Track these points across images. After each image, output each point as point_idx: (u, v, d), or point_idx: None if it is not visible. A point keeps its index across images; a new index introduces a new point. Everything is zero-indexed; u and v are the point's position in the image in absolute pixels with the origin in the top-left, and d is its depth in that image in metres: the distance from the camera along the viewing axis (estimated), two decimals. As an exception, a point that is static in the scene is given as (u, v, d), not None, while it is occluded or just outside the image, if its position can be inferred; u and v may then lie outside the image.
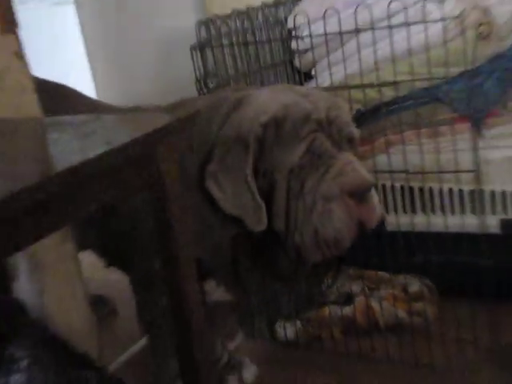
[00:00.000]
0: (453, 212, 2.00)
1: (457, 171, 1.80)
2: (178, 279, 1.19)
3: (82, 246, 1.75)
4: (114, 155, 0.99)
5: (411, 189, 2.02)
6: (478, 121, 1.87)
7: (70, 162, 0.93)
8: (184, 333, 1.24)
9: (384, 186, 2.07)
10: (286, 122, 1.40)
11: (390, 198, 2.11)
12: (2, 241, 0.87)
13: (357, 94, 1.92)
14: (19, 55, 1.49)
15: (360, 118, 1.96)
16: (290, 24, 2.08)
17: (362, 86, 1.87)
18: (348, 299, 2.05)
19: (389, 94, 1.93)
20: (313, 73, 2.10)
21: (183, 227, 1.19)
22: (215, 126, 1.47)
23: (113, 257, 1.84)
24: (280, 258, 1.48)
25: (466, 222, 1.90)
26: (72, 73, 2.88)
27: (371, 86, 1.88)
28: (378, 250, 1.85)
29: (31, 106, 1.54)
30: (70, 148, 1.08)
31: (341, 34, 1.81)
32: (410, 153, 1.85)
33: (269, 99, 1.45)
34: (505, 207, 1.95)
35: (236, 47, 1.94)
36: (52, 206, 0.92)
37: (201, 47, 1.82)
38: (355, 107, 1.96)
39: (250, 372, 1.92)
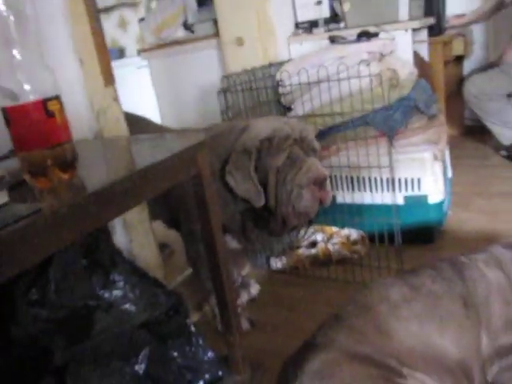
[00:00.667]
0: (377, 190, 2.27)
1: (379, 166, 2.04)
2: (211, 233, 1.29)
3: (153, 216, 1.93)
4: (172, 159, 1.08)
5: (352, 177, 2.31)
6: (390, 136, 2.12)
7: (145, 163, 1.02)
8: (215, 266, 1.35)
9: (335, 176, 2.35)
10: (274, 139, 1.59)
11: (339, 182, 2.37)
12: (112, 209, 0.95)
13: (319, 120, 2.24)
14: (116, 99, 1.69)
15: (321, 135, 2.26)
16: (278, 77, 2.34)
17: (322, 115, 2.20)
18: (314, 244, 2.30)
19: (338, 119, 2.21)
20: (292, 107, 2.33)
21: (214, 203, 1.27)
22: (230, 142, 1.63)
23: (171, 222, 1.99)
24: (272, 222, 1.65)
25: (385, 197, 2.22)
26: (146, 109, 3.13)
27: (328, 114, 2.20)
28: (332, 214, 2.17)
29: (122, 129, 1.71)
30: (145, 154, 1.17)
31: (309, 83, 2.16)
32: (351, 156, 2.17)
33: (263, 125, 1.63)
34: (406, 188, 2.24)
35: (245, 92, 2.17)
36: (135, 190, 0.97)
37: (224, 91, 2.13)
38: (318, 128, 2.23)
39: (254, 288, 2.17)
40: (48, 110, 0.88)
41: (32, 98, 0.87)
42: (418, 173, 2.23)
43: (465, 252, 1.58)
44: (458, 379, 1.30)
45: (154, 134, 1.46)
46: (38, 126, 0.89)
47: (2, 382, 1.09)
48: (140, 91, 3.22)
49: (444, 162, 2.43)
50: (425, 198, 2.26)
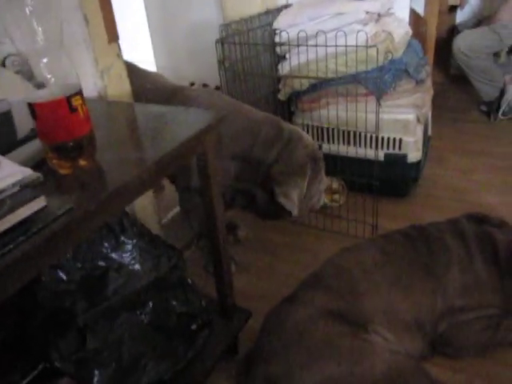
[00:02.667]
0: (361, 145, 2.31)
1: (365, 123, 2.05)
2: (211, 200, 1.31)
3: None
4: (182, 147, 1.07)
5: (339, 130, 2.35)
6: (379, 96, 2.14)
7: (158, 154, 1.00)
8: (213, 227, 1.37)
9: (323, 128, 2.39)
10: (318, 160, 1.78)
11: (325, 134, 2.40)
12: (128, 198, 0.98)
13: (312, 73, 2.23)
14: (119, 56, 1.63)
15: (313, 87, 2.32)
16: (275, 26, 2.31)
17: (317, 70, 2.18)
18: None
19: (331, 75, 2.22)
20: (287, 56, 2.31)
21: (215, 175, 1.28)
22: (273, 154, 1.67)
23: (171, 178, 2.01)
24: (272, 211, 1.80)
25: (368, 152, 2.26)
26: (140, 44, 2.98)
27: (322, 70, 2.18)
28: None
29: (125, 87, 1.65)
30: (156, 139, 1.10)
31: (306, 36, 2.08)
32: (340, 110, 2.21)
33: (307, 142, 1.74)
34: (388, 146, 2.29)
35: (242, 44, 2.17)
36: (149, 180, 0.97)
37: (221, 42, 2.13)
38: (311, 81, 2.28)
39: (242, 231, 2.19)
40: (72, 105, 0.91)
41: (54, 88, 0.89)
42: (401, 133, 2.26)
43: (434, 217, 1.70)
44: (413, 333, 1.43)
45: (162, 108, 1.36)
46: (63, 121, 0.92)
47: (30, 342, 1.17)
48: (133, 21, 3.01)
49: (426, 124, 2.48)
50: (404, 157, 2.30)
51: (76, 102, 0.93)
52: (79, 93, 0.95)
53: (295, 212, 1.73)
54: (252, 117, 1.75)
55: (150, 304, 1.23)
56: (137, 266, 1.24)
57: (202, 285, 1.56)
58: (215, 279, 1.51)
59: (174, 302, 1.30)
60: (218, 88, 2.34)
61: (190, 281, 1.41)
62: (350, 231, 2.19)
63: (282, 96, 2.45)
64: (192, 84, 2.54)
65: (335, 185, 2.40)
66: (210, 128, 1.19)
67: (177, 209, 2.21)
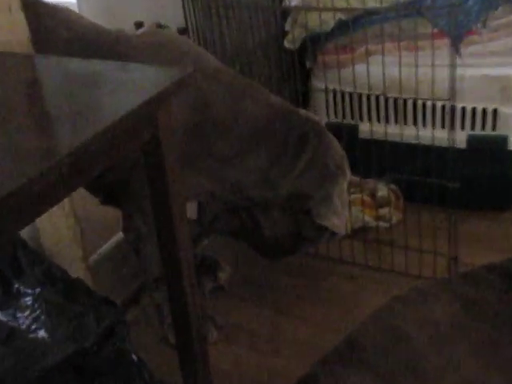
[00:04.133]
0: (425, 124, 2.20)
1: (433, 86, 1.94)
2: (171, 219, 1.35)
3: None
4: (124, 119, 1.08)
5: (387, 100, 2.18)
6: (456, 38, 2.02)
7: (76, 140, 1.02)
8: (174, 262, 1.41)
9: (360, 96, 2.24)
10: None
11: (365, 106, 2.29)
12: (22, 219, 1.00)
13: (339, 2, 2.09)
14: None
15: (342, 27, 2.16)
16: None
17: None
18: None
19: (372, 4, 2.09)
20: None
21: (175, 178, 1.32)
22: (300, 165, 1.80)
23: (104, 195, 2.03)
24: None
25: (438, 135, 2.06)
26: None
27: None
28: (351, 155, 2.01)
29: (20, 27, 1.62)
30: (71, 119, 1.14)
31: None
32: (389, 65, 2.00)
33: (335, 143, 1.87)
34: (473, 124, 2.17)
35: None
36: (60, 183, 1.01)
37: None
38: (337, 16, 2.13)
39: (224, 273, 2.16)
40: None
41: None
42: (495, 100, 2.10)
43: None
44: None
45: (84, 65, 1.38)
46: None
47: None
48: None
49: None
50: (502, 140, 2.14)
51: None
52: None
53: (343, 231, 1.86)
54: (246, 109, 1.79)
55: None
56: (42, 333, 1.28)
57: (157, 365, 1.51)
58: (179, 356, 1.49)
59: None
60: (183, 31, 2.30)
61: (135, 358, 1.37)
62: (409, 268, 2.01)
63: (289, 43, 2.32)
64: (139, 25, 2.41)
65: (383, 192, 2.22)
66: (166, 95, 1.15)
67: (116, 238, 2.10)
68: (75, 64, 1.35)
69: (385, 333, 1.44)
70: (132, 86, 1.23)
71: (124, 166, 1.77)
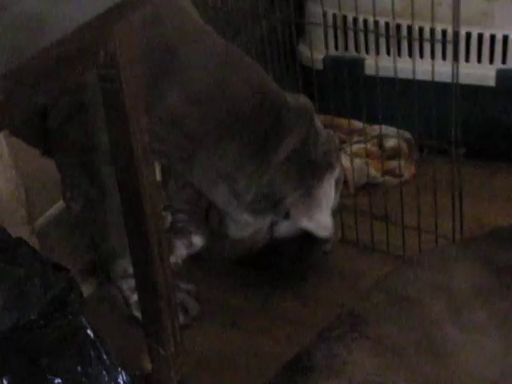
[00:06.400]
0: (444, 58, 2.18)
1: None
2: (135, 173, 1.40)
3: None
4: (73, 34, 1.10)
5: (398, 27, 2.14)
6: None
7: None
8: (140, 235, 1.47)
9: (366, 22, 2.22)
10: None
11: (370, 37, 2.27)
12: None
13: None
14: None
15: None
16: None
17: None
18: None
19: None
20: None
21: (139, 121, 1.36)
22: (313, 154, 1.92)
23: (41, 143, 2.02)
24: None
25: (461, 70, 1.99)
26: None
27: None
28: (355, 95, 2.07)
29: None
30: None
31: None
32: None
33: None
34: (504, 55, 2.15)
35: None
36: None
37: None
38: None
39: (200, 236, 2.14)
40: None
41: None
42: None
43: None
44: None
45: None
46: None
47: None
48: None
49: None
50: None
51: None
52: None
53: (330, 235, 1.90)
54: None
55: (4, 382, 1.22)
56: None
57: (119, 347, 1.49)
58: (146, 336, 1.52)
59: (58, 379, 1.30)
60: None
61: (91, 334, 1.35)
62: (423, 228, 1.97)
63: None
64: None
65: (391, 142, 2.21)
66: (124, 8, 1.16)
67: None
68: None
69: (393, 303, 1.52)
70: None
71: (69, 103, 1.77)
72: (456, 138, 2.00)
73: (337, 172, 1.94)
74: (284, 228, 1.96)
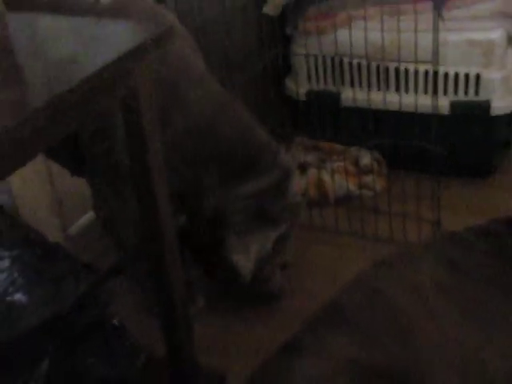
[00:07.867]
0: (408, 90, 2.31)
1: (415, 52, 2.06)
2: (152, 190, 1.40)
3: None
4: (95, 78, 1.11)
5: (369, 66, 2.29)
6: (439, 1, 2.11)
7: (47, 94, 1.06)
8: (158, 249, 1.45)
9: (342, 62, 2.34)
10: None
11: (347, 73, 2.40)
12: None
13: None
14: None
15: None
16: None
17: None
18: (302, 169, 2.36)
19: None
20: None
21: (155, 142, 1.36)
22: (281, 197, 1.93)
23: (73, 165, 2.04)
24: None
25: (420, 101, 2.17)
26: None
27: None
28: (334, 123, 2.22)
29: None
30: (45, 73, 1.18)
31: None
32: (372, 31, 2.10)
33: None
34: (456, 89, 2.26)
35: None
36: (25, 145, 1.02)
37: None
38: None
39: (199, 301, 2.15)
40: None
41: None
42: (478, 64, 2.18)
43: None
44: None
45: (56, 20, 1.37)
46: None
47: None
48: None
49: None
50: (485, 105, 2.21)
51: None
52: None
53: (247, 274, 1.91)
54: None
55: (44, 366, 1.27)
56: (18, 296, 1.30)
57: (140, 335, 1.56)
58: (162, 325, 1.51)
59: (89, 360, 1.36)
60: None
61: (117, 323, 1.42)
62: (394, 234, 2.10)
63: (269, 9, 2.43)
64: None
65: (366, 160, 2.33)
66: (144, 50, 1.16)
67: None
68: (48, 20, 1.35)
69: (368, 295, 1.47)
70: (108, 40, 1.25)
71: (95, 130, 1.79)
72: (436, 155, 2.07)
73: (282, 228, 1.96)
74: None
